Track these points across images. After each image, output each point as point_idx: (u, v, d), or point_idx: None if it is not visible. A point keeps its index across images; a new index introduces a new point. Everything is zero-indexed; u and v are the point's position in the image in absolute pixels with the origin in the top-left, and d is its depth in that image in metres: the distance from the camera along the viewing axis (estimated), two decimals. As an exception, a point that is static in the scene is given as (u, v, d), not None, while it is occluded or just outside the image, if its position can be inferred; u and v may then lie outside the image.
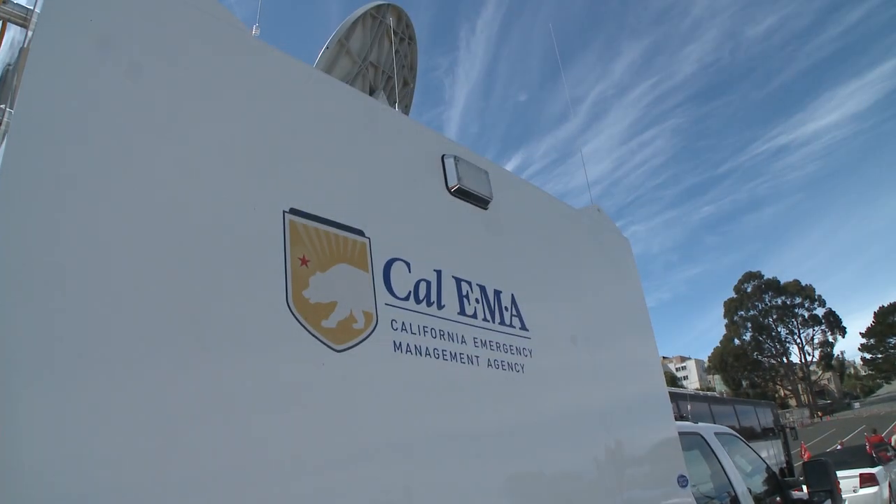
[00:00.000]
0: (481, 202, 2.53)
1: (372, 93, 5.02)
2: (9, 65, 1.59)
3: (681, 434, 3.47)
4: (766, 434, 24.79)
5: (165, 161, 1.57)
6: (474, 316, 2.26)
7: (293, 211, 1.79)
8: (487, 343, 2.25)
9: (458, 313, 2.19)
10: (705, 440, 4.88)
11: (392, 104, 5.03)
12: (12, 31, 1.70)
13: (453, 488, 1.91)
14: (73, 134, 1.40)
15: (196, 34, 1.79)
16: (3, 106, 1.43)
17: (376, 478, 1.71)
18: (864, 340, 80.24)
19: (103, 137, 1.46)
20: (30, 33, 1.47)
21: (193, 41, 1.78)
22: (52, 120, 1.38)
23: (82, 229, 1.35)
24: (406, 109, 5.54)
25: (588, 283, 3.17)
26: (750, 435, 21.67)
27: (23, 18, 1.55)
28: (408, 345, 1.94)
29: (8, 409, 1.14)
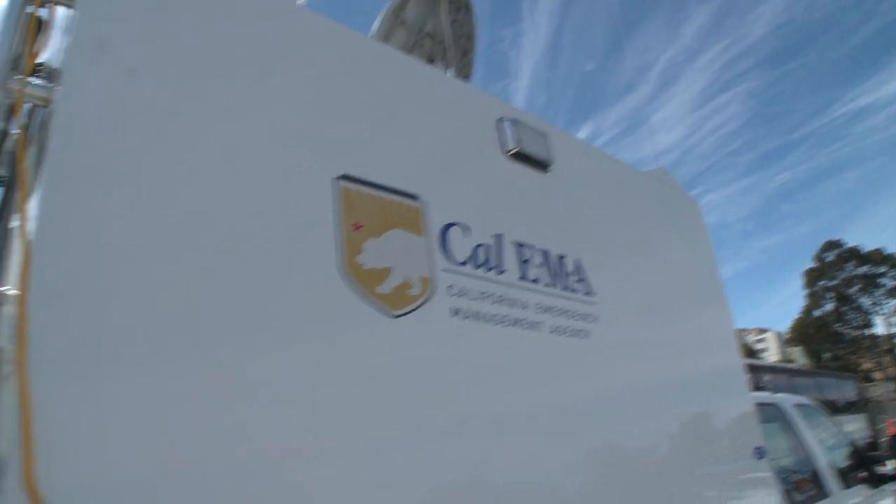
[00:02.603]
0: (541, 165, 2.45)
1: (430, 63, 4.95)
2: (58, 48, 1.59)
3: (758, 405, 3.33)
4: (848, 408, 23.89)
5: (216, 132, 1.56)
6: (536, 281, 2.18)
7: (345, 177, 1.76)
8: (551, 309, 2.18)
9: (520, 278, 2.12)
10: (784, 412, 4.71)
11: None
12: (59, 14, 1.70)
13: (516, 460, 1.86)
14: (120, 108, 1.41)
15: (243, 2, 1.78)
16: (53, 84, 1.43)
17: (435, 448, 1.68)
18: (953, 311, 75.99)
19: (149, 109, 1.45)
20: (74, 12, 1.46)
21: (241, 9, 1.76)
22: (97, 97, 1.38)
23: (133, 202, 1.35)
24: (466, 79, 5.45)
25: (656, 248, 3.04)
26: (832, 408, 20.91)
27: (69, -1, 1.55)
28: (467, 310, 1.89)
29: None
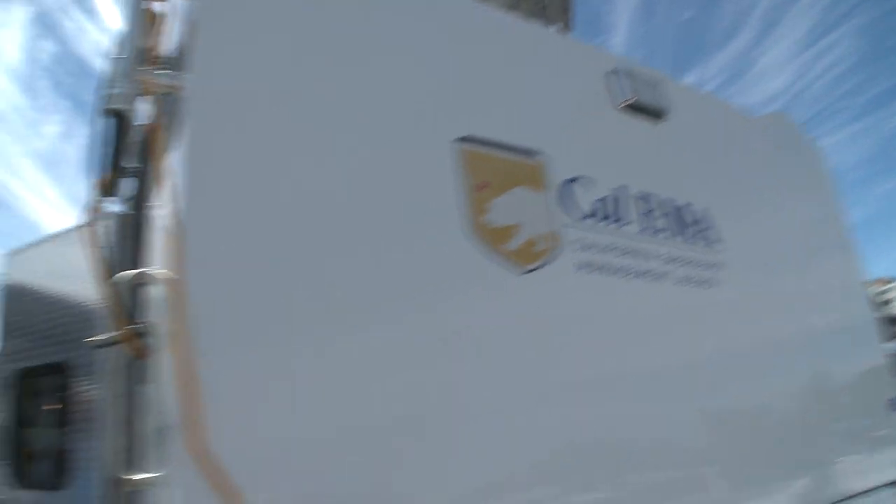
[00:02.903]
0: (657, 115, 2.40)
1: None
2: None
3: (891, 356, 3.17)
4: None
5: (340, 104, 1.61)
6: (660, 232, 2.16)
7: (466, 139, 1.79)
8: (675, 259, 2.15)
9: (643, 229, 2.10)
10: (917, 363, 4.44)
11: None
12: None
13: (646, 415, 1.87)
14: (249, 91, 1.48)
15: None
16: (179, 73, 1.48)
17: (564, 404, 1.69)
18: None
19: (272, 79, 1.52)
20: (193, 2, 1.52)
21: None
22: (229, 81, 1.45)
23: (270, 180, 1.42)
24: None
25: (779, 194, 2.92)
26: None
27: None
28: (592, 263, 1.89)
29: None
